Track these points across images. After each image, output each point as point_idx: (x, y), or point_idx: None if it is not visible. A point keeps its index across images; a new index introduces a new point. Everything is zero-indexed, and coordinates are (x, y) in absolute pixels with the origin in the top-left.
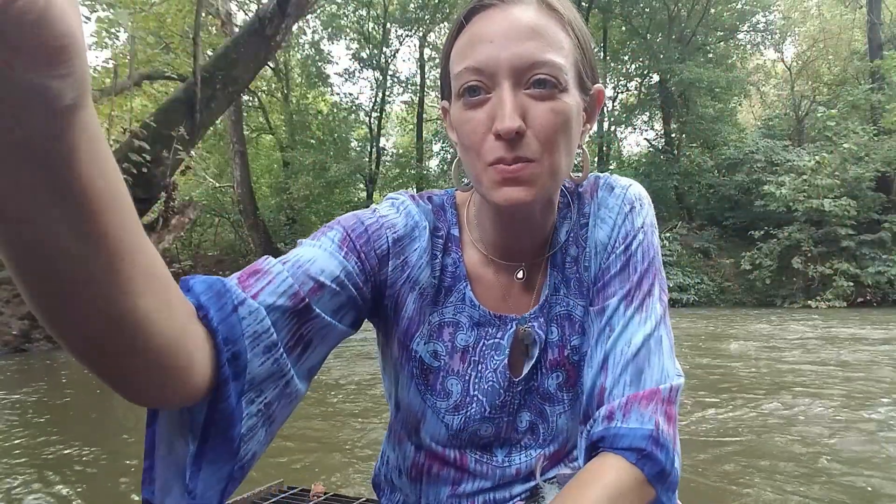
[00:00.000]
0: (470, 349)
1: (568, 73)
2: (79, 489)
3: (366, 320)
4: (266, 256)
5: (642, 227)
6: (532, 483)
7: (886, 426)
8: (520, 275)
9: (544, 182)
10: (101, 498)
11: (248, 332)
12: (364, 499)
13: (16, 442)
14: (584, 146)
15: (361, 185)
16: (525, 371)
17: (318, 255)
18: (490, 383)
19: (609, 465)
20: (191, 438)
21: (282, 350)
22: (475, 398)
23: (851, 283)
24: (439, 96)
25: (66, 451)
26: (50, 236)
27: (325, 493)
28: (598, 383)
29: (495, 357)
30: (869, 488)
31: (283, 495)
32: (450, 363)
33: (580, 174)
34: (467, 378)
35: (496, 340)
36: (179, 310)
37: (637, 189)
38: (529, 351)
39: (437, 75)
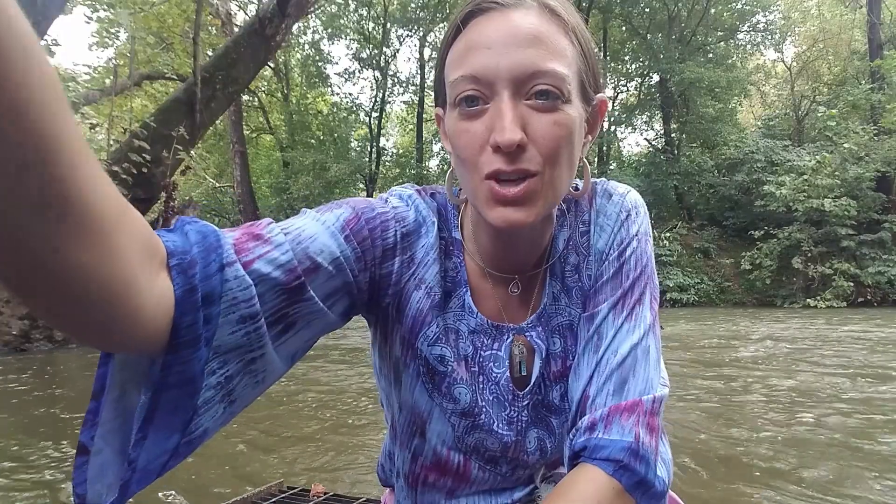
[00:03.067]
0: (469, 359)
1: (571, 82)
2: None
3: (358, 317)
4: (269, 220)
5: (636, 235)
6: (531, 486)
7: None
8: (514, 289)
9: (545, 200)
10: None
11: (227, 296)
12: (364, 499)
13: (14, 441)
14: (584, 158)
15: (361, 185)
16: (531, 384)
17: (320, 232)
18: (494, 395)
19: (587, 476)
20: (144, 390)
21: (262, 324)
22: (483, 409)
23: (851, 283)
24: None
25: (63, 450)
26: None
27: (325, 493)
28: (584, 393)
29: (495, 370)
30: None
31: (283, 495)
32: (457, 370)
33: (579, 188)
34: (475, 388)
35: (493, 352)
36: (129, 259)
37: (634, 196)
38: (522, 367)
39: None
